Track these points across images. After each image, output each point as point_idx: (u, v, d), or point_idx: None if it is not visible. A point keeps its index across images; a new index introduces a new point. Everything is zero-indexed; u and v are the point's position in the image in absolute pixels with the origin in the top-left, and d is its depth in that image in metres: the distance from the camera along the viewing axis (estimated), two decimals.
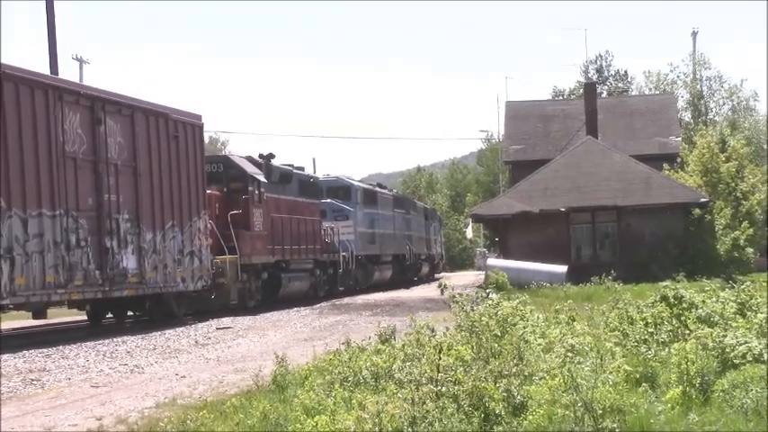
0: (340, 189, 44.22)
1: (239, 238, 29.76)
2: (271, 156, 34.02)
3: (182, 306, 27.24)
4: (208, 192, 28.77)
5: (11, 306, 21.26)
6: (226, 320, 25.96)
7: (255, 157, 33.54)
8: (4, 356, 17.65)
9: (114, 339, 20.89)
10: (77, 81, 22.66)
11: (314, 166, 40.20)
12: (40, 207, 20.95)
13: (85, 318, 27.04)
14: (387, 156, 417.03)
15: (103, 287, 23.19)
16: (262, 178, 31.91)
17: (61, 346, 19.51)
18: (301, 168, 39.42)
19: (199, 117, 28.67)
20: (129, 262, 24.12)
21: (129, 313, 27.82)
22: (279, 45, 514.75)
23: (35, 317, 23.32)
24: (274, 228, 32.87)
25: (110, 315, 27.18)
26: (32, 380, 14.51)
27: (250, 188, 31.01)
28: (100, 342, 20.33)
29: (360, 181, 50.21)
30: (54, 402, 12.33)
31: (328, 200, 42.22)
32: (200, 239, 27.66)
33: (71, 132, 22.34)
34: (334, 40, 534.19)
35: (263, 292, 32.53)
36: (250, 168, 31.60)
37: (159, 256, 25.48)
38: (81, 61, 60.11)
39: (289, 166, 36.74)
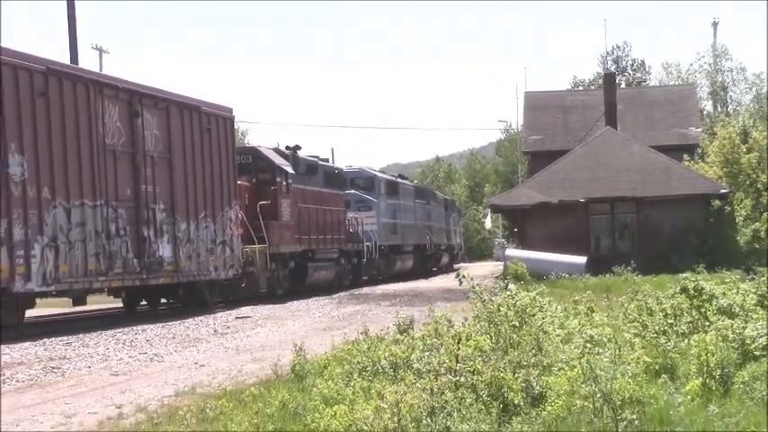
0: (364, 180, 44.87)
1: (268, 228, 30.42)
2: (297, 147, 34.66)
3: (213, 294, 28.16)
4: (238, 183, 29.47)
5: (54, 292, 22.01)
6: (245, 310, 26.03)
7: (282, 148, 34.20)
8: (26, 344, 17.74)
9: (134, 328, 20.97)
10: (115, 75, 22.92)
11: (332, 156, 40.52)
12: (82, 197, 21.85)
13: (121, 305, 27.88)
14: (405, 146, 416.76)
15: (141, 275, 24.08)
16: (289, 169, 32.54)
17: (81, 335, 19.60)
18: (326, 160, 40.19)
19: (230, 110, 29.36)
20: (164, 251, 25.01)
21: (163, 301, 28.67)
22: (298, 36, 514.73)
23: (75, 303, 24.08)
24: (301, 218, 33.53)
25: (144, 302, 27.99)
26: (53, 368, 14.58)
27: (278, 179, 31.68)
28: (120, 330, 20.41)
29: (381, 171, 50.55)
30: (74, 390, 12.39)
31: (352, 191, 42.75)
32: (232, 229, 28.45)
33: (111, 125, 23.22)
34: (353, 31, 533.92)
35: (291, 281, 33.08)
36: (278, 160, 32.25)
37: (193, 245, 26.34)
38: (101, 51, 60.25)
39: (314, 157, 37.39)
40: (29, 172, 20.33)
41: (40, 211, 20.54)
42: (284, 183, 32.10)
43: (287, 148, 34.49)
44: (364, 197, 43.46)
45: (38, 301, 22.21)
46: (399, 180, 50.74)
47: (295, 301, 29.21)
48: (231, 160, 28.74)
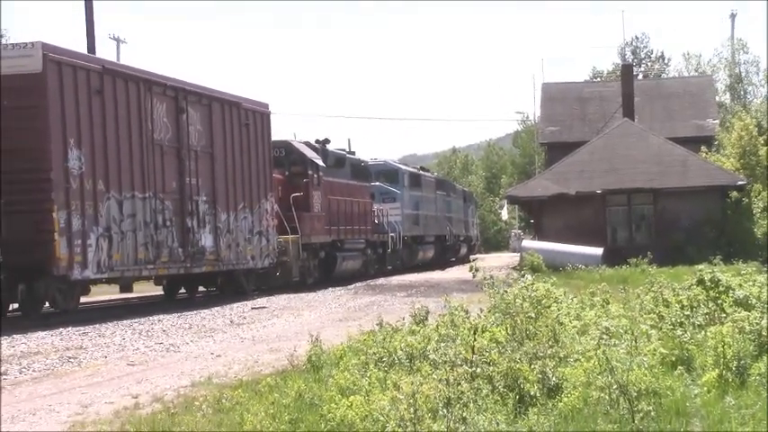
0: (388, 173, 45.93)
1: (300, 219, 31.54)
2: (326, 141, 36.03)
3: (250, 282, 29.30)
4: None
5: (107, 280, 23.51)
6: (261, 300, 26.09)
7: (312, 141, 35.41)
8: (42, 334, 17.82)
9: (150, 318, 21.04)
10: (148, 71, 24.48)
11: (349, 147, 41.10)
12: (132, 190, 23.19)
13: (161, 292, 29.07)
14: (421, 137, 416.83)
15: (185, 264, 25.46)
16: (320, 162, 33.72)
17: (98, 324, 19.66)
18: (352, 153, 41.37)
19: (266, 105, 30.68)
20: (206, 241, 26.33)
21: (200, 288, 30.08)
22: (314, 26, 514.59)
23: (122, 290, 25.74)
24: (330, 209, 34.62)
25: (183, 290, 29.22)
26: (69, 357, 14.63)
27: (310, 172, 32.85)
28: (136, 321, 20.48)
29: (403, 164, 51.64)
30: (90, 380, 12.43)
31: (377, 183, 43.70)
32: (267, 220, 29.80)
33: (158, 121, 24.54)
34: (371, 23, 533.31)
35: (320, 270, 34.22)
36: (309, 153, 33.35)
37: (232, 235, 27.65)
38: (118, 41, 60.40)
39: (341, 150, 38.96)
40: (86, 166, 21.52)
41: (96, 202, 21.75)
42: (315, 175, 33.17)
43: (316, 141, 35.56)
44: (389, 189, 44.51)
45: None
46: (421, 172, 51.75)
47: (311, 293, 29.34)
48: (267, 154, 30.07)
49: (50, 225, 20.40)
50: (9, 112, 20.22)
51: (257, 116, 29.61)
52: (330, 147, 36.53)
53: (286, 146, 33.12)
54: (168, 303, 26.70)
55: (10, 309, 21.25)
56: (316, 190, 33.07)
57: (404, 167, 48.54)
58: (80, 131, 21.42)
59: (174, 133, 25.11)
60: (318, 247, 33.78)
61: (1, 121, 20.09)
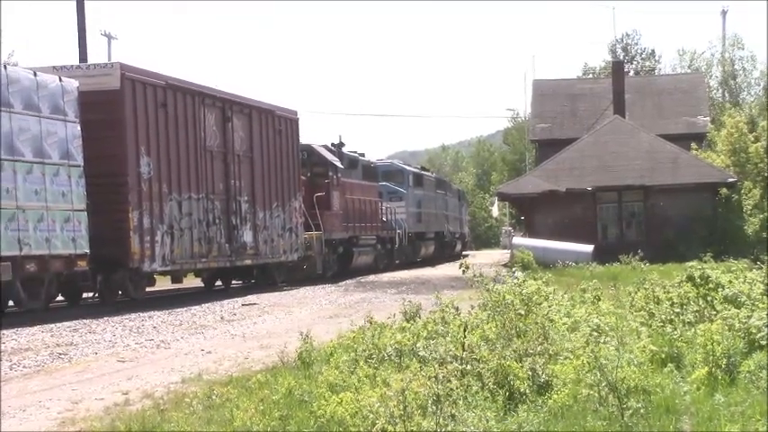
0: (394, 173, 48.34)
1: (323, 217, 34.24)
2: (342, 144, 39.03)
3: (281, 274, 32.06)
4: None
5: (167, 272, 26.27)
6: (251, 297, 26.10)
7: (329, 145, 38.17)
8: (33, 330, 17.80)
9: (141, 314, 21.02)
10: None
11: (340, 142, 41.81)
12: (189, 191, 26.05)
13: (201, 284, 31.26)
14: (412, 133, 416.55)
15: (231, 258, 28.31)
16: (338, 164, 36.42)
17: (88, 321, 19.64)
18: (362, 155, 43.91)
19: (295, 112, 33.55)
20: (247, 237, 29.23)
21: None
22: (300, 21, 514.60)
23: (174, 282, 28.34)
24: (347, 208, 37.30)
25: (219, 283, 31.41)
26: (60, 354, 14.61)
27: (330, 173, 35.52)
28: (127, 317, 20.47)
29: (407, 164, 53.70)
30: (81, 376, 12.42)
31: (383, 182, 45.65)
32: (296, 217, 32.59)
33: (209, 129, 27.40)
34: (359, 17, 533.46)
35: (339, 264, 36.95)
36: (329, 156, 36.12)
37: (268, 231, 30.46)
38: (109, 37, 60.32)
39: (353, 152, 41.89)
40: (153, 170, 24.39)
41: (161, 203, 24.65)
42: (335, 176, 35.76)
43: (332, 144, 38.36)
44: (395, 188, 46.64)
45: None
46: (423, 172, 54.38)
47: (302, 289, 29.44)
48: (296, 157, 32.91)
49: (126, 223, 23.26)
50: (92, 124, 22.53)
51: (288, 122, 32.48)
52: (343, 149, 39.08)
53: (308, 149, 35.21)
54: (208, 293, 29.09)
55: (84, 296, 24.06)
56: (335, 190, 35.65)
57: (408, 168, 50.88)
58: (149, 140, 24.31)
59: (222, 140, 28.04)
60: (337, 243, 36.35)
61: (85, 132, 22.29)
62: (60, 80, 21.93)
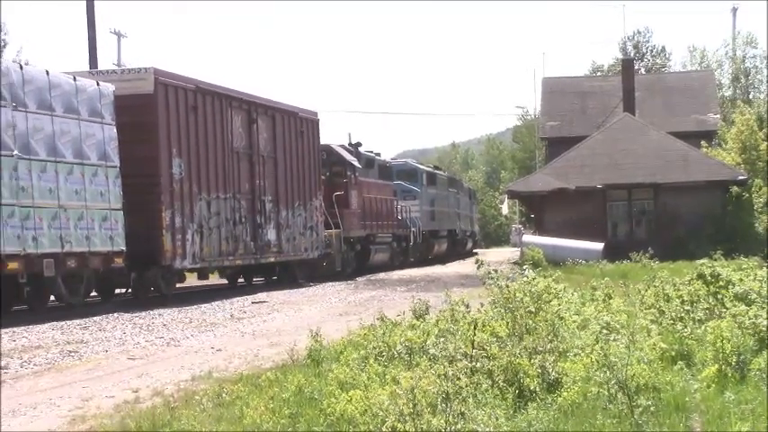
0: (408, 172, 49.30)
1: (342, 216, 35.14)
2: (358, 144, 39.79)
3: (302, 271, 32.88)
4: None
5: (196, 269, 27.15)
6: (261, 295, 26.13)
7: (346, 145, 38.95)
8: (43, 327, 17.84)
9: (151, 312, 21.05)
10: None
11: (350, 141, 41.84)
12: (217, 191, 26.90)
13: (225, 281, 32.14)
14: (421, 131, 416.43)
15: (256, 255, 29.25)
16: (356, 164, 37.36)
17: (98, 318, 19.68)
18: (378, 154, 44.59)
19: (316, 114, 34.22)
20: (271, 235, 30.06)
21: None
22: (310, 19, 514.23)
23: (200, 278, 29.24)
24: (364, 206, 38.28)
25: (241, 279, 32.52)
26: (70, 351, 14.63)
27: (348, 173, 36.55)
28: (137, 315, 20.48)
29: (419, 163, 54.79)
30: (91, 374, 12.44)
31: (398, 181, 46.44)
32: (317, 216, 33.46)
33: (236, 131, 28.29)
34: (369, 16, 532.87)
35: (357, 261, 37.75)
36: (348, 156, 37.03)
37: (290, 229, 31.37)
38: (119, 35, 60.40)
39: (369, 152, 42.53)
40: (184, 171, 25.20)
41: (191, 203, 25.47)
42: (353, 176, 36.80)
43: (350, 144, 39.11)
44: (410, 188, 47.53)
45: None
46: (436, 171, 55.30)
47: (313, 287, 29.44)
48: (317, 157, 33.68)
49: (160, 222, 24.06)
50: (127, 127, 23.17)
51: (309, 123, 33.20)
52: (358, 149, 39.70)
53: (327, 149, 35.87)
54: (232, 290, 29.73)
55: (116, 292, 25.11)
56: (353, 189, 36.63)
57: (422, 167, 51.70)
58: (180, 142, 25.13)
59: (247, 141, 28.91)
60: (355, 241, 37.19)
61: (120, 134, 22.95)
62: (98, 84, 22.66)
